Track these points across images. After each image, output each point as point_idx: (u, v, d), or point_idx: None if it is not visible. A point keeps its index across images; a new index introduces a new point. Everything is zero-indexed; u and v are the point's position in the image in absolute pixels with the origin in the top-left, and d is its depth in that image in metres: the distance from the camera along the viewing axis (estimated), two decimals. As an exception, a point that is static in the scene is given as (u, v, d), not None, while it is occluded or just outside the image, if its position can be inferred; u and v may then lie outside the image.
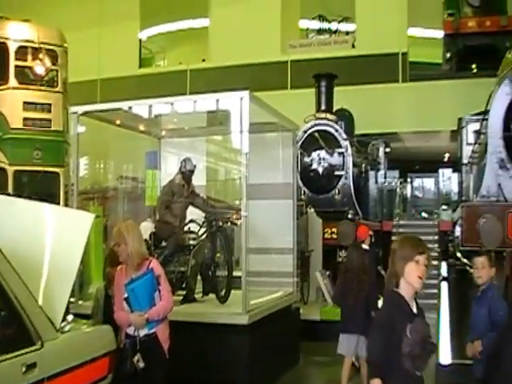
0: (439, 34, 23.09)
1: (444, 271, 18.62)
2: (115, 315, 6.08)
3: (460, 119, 14.78)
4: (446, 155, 25.07)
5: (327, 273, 13.98)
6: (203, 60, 23.63)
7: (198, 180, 10.73)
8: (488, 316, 6.05)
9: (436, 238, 16.50)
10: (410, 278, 4.18)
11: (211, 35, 22.97)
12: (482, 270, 6.32)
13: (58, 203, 10.71)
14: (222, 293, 9.36)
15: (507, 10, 19.33)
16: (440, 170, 23.53)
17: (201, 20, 25.01)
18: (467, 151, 13.53)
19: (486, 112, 10.17)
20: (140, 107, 9.88)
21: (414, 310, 4.28)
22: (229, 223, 10.26)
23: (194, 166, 9.96)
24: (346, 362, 8.89)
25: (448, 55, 21.92)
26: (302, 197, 14.63)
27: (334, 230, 14.00)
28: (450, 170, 22.77)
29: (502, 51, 19.40)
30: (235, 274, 9.25)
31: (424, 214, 22.45)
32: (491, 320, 6.02)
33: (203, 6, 23.31)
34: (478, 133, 11.78)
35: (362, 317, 8.48)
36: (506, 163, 9.59)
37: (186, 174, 9.89)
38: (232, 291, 9.29)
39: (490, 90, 10.23)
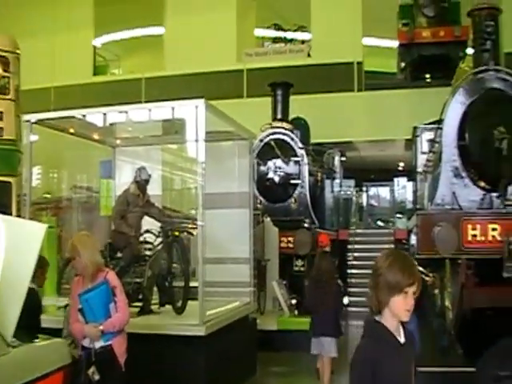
0: (394, 43, 23.40)
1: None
2: (70, 326, 6.01)
3: (415, 128, 14.92)
4: (401, 164, 25.35)
5: (284, 282, 13.99)
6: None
7: (154, 189, 10.67)
8: None
9: (392, 246, 16.68)
10: (397, 311, 3.60)
11: (166, 43, 22.86)
12: None
13: (10, 213, 10.50)
14: (179, 304, 9.29)
15: (461, 21, 19.62)
16: (395, 179, 23.76)
17: (156, 28, 24.87)
18: (422, 160, 13.66)
19: (440, 121, 10.28)
20: (94, 115, 9.78)
21: (402, 339, 3.69)
22: (185, 233, 10.21)
23: (149, 176, 9.91)
24: (325, 359, 9.38)
25: (402, 65, 22.15)
26: (259, 206, 14.63)
27: (291, 238, 14.03)
28: (405, 178, 23.04)
29: (455, 61, 19.89)
30: (192, 284, 9.20)
31: (380, 223, 22.66)
32: None
33: (158, 14, 23.20)
34: (432, 142, 11.89)
35: (334, 319, 9.35)
36: (460, 172, 9.71)
37: (141, 184, 9.83)
38: (189, 302, 9.24)
39: (444, 99, 10.33)
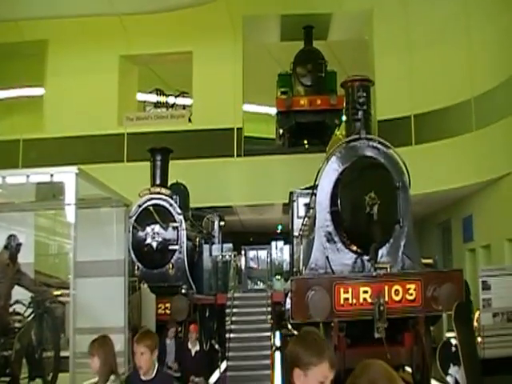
0: (273, 110, 24.01)
1: (278, 341, 18.91)
2: None
3: (291, 193, 15.19)
4: (279, 227, 25.65)
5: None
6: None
7: (26, 257, 10.26)
8: None
9: (269, 309, 16.72)
10: None
11: (46, 105, 22.25)
12: None
13: None
14: (49, 377, 8.90)
15: (337, 90, 20.35)
16: (273, 242, 24.07)
17: (36, 89, 24.28)
18: (298, 224, 13.88)
19: (315, 187, 10.47)
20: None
21: None
22: (58, 303, 9.87)
23: (20, 244, 9.56)
24: None
25: (281, 131, 22.76)
26: (136, 272, 14.37)
27: (168, 305, 13.80)
28: (283, 242, 23.39)
29: (331, 128, 20.59)
30: (65, 354, 8.85)
31: (260, 284, 22.85)
32: None
33: (38, 74, 22.65)
34: (307, 206, 12.11)
35: None
36: (333, 236, 9.92)
37: (12, 252, 9.47)
38: (61, 374, 8.87)
39: (320, 164, 10.54)
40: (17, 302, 9.54)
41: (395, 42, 19.81)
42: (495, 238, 16.87)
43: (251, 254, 24.14)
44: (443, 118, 18.26)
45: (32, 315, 9.35)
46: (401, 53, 19.63)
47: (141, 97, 25.70)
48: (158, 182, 15.92)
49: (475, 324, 13.78)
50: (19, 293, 9.70)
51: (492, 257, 17.22)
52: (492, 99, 16.87)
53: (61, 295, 10.31)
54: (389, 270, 9.30)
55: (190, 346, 13.14)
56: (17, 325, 9.36)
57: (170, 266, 15.10)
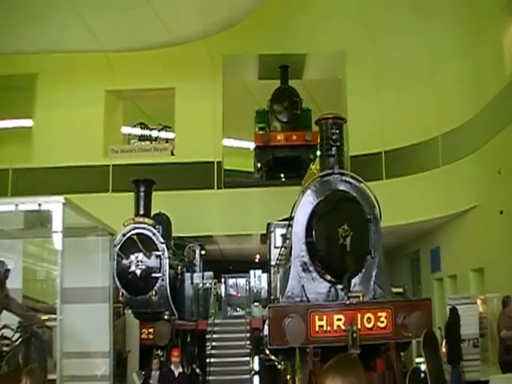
0: (251, 145, 24.23)
1: (256, 365, 18.89)
2: None
3: (268, 224, 15.27)
4: (257, 256, 25.70)
5: (143, 373, 13.66)
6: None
7: (14, 283, 10.23)
8: None
9: (248, 335, 16.73)
10: None
11: (35, 136, 22.20)
12: None
13: None
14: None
15: (311, 127, 20.60)
16: (251, 271, 24.12)
17: (25, 120, 24.26)
18: (275, 254, 13.94)
19: (291, 218, 10.56)
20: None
21: None
22: (45, 327, 9.80)
23: (9, 269, 9.52)
24: None
25: (259, 165, 22.95)
26: (121, 298, 14.35)
27: (151, 330, 13.80)
28: (260, 270, 23.41)
29: (306, 162, 20.79)
30: (52, 377, 8.78)
31: (239, 310, 22.90)
32: None
33: (28, 106, 22.71)
34: (284, 237, 12.19)
35: None
36: (308, 266, 9.97)
37: (0, 278, 9.42)
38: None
39: (296, 197, 10.65)
40: (5, 326, 9.46)
41: (367, 81, 20.16)
42: (461, 269, 17.10)
43: (231, 281, 24.24)
44: (412, 154, 18.58)
45: (20, 339, 9.26)
46: (372, 92, 19.98)
47: (125, 130, 25.78)
48: (141, 212, 15.96)
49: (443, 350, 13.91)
50: (7, 317, 9.65)
51: (458, 286, 17.44)
52: (458, 137, 17.20)
53: (48, 320, 10.24)
54: (361, 298, 9.36)
55: (173, 367, 13.10)
56: (5, 349, 9.27)
57: (153, 292, 15.09)
